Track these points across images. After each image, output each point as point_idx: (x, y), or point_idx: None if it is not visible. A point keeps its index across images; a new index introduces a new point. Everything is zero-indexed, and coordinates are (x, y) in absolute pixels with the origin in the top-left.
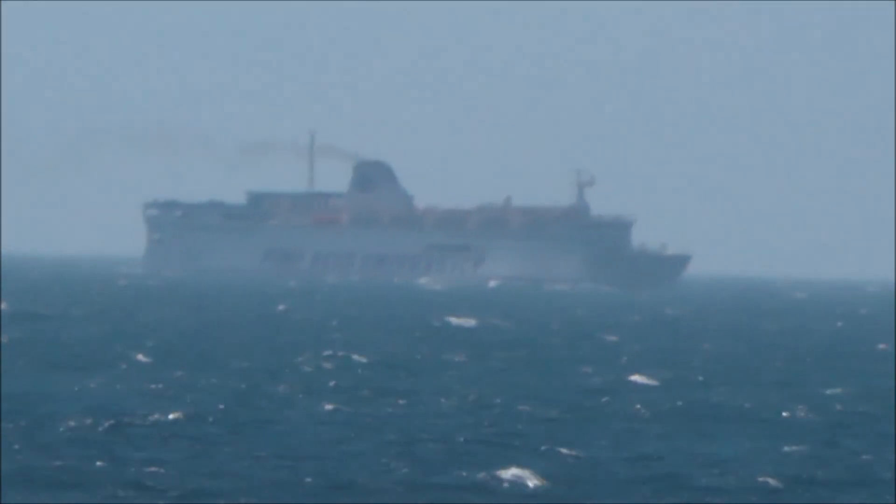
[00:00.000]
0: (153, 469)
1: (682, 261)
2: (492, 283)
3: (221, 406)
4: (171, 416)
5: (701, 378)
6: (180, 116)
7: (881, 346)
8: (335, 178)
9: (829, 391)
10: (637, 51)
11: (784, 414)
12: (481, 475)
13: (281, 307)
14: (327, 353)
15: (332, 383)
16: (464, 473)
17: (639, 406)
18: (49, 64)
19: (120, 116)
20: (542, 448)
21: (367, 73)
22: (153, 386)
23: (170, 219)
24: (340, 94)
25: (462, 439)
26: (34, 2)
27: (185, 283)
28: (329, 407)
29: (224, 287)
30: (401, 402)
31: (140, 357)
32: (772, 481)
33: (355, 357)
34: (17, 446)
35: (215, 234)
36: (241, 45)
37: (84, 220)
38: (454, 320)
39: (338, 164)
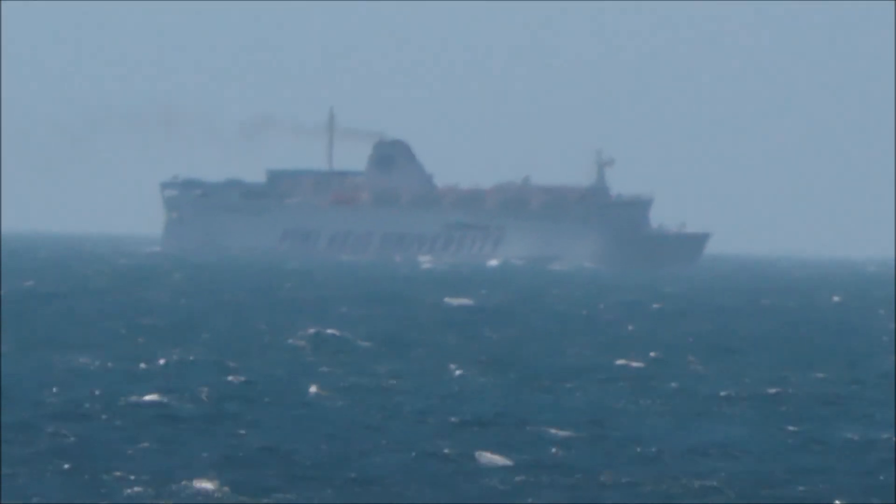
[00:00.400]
0: (129, 452)
1: (701, 239)
2: (492, 262)
3: (204, 388)
4: (147, 398)
5: (691, 358)
6: (197, 98)
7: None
8: (355, 158)
9: (819, 374)
10: (656, 31)
11: (770, 390)
12: (456, 461)
13: (285, 285)
14: (312, 331)
15: (316, 361)
16: (443, 455)
17: (623, 387)
18: (51, 48)
19: (127, 98)
20: (528, 429)
21: (387, 52)
22: (141, 365)
23: (188, 198)
24: (360, 73)
25: (437, 421)
26: None
27: (190, 261)
28: (313, 388)
29: (229, 265)
30: (391, 381)
31: (129, 334)
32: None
33: (346, 335)
34: None
35: (233, 214)
36: (258, 26)
37: (99, 199)
38: (448, 300)
39: (357, 143)
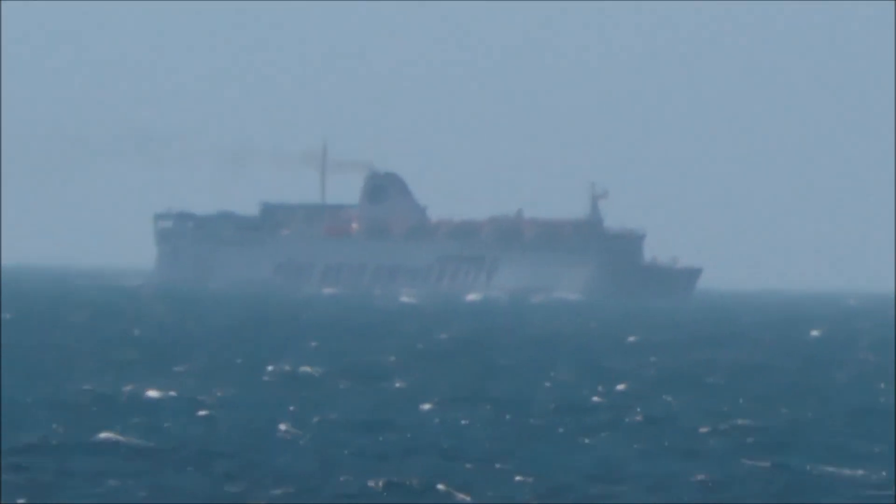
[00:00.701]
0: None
1: (693, 274)
2: (470, 297)
3: (167, 424)
4: (103, 436)
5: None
6: (193, 128)
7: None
8: (346, 189)
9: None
10: (650, 66)
11: (702, 430)
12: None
13: (253, 320)
14: (272, 367)
15: (286, 396)
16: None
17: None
18: (27, 75)
19: (113, 125)
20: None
21: (380, 84)
22: (114, 397)
23: (181, 230)
24: (353, 105)
25: (400, 455)
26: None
27: (173, 292)
28: (283, 426)
29: (212, 297)
30: (358, 415)
31: (102, 367)
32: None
33: (309, 369)
34: None
35: (227, 246)
36: (252, 55)
37: (87, 230)
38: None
39: (349, 175)
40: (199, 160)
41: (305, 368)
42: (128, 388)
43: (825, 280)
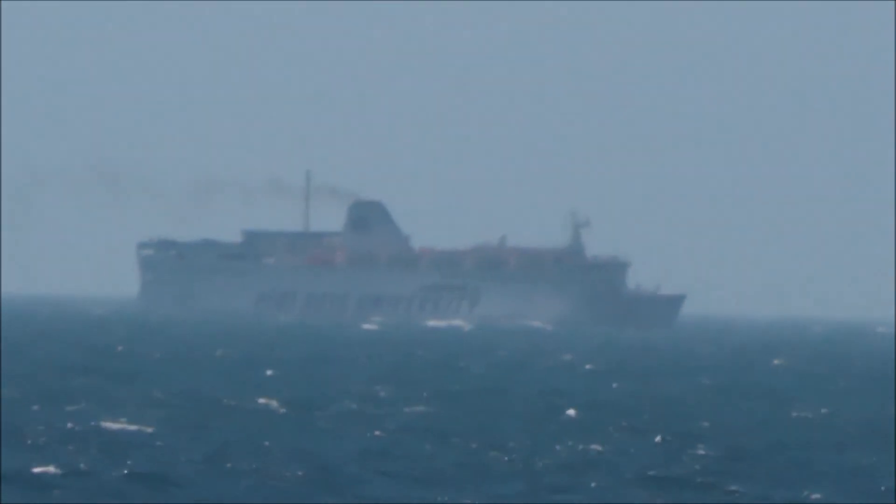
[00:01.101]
0: None
1: (676, 301)
2: (431, 323)
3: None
4: (50, 469)
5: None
6: (172, 159)
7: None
8: (330, 219)
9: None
10: (631, 92)
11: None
12: None
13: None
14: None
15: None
16: None
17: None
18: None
19: (87, 157)
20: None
21: (363, 113)
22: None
23: (164, 259)
24: (335, 134)
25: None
26: None
27: (143, 320)
28: (228, 465)
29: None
30: (307, 444)
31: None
32: None
33: (267, 401)
34: None
35: (210, 275)
36: (233, 81)
37: (73, 261)
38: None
39: (334, 204)
40: (176, 189)
41: (266, 400)
42: (73, 417)
43: (810, 307)
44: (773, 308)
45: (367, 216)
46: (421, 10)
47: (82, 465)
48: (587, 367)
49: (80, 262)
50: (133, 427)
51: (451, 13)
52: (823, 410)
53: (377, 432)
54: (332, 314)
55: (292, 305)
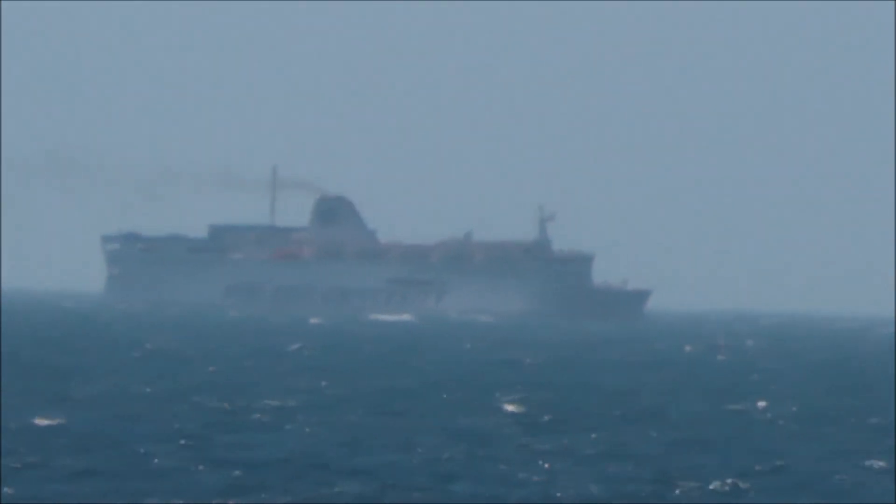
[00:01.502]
0: None
1: (642, 296)
2: (382, 317)
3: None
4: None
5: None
6: (133, 150)
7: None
8: (297, 213)
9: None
10: (598, 88)
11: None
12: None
13: (148, 345)
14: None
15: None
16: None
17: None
18: None
19: (67, 147)
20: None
21: (329, 107)
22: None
23: (130, 252)
24: (302, 129)
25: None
26: None
27: (96, 315)
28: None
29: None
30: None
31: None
32: None
33: (204, 399)
34: None
35: (177, 268)
36: (200, 76)
37: (39, 254)
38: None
39: (300, 198)
40: (136, 180)
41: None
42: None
43: (780, 300)
44: (740, 301)
45: (334, 210)
46: (383, 7)
47: None
48: (468, 347)
49: (49, 255)
50: (52, 422)
51: (415, 9)
52: (761, 404)
53: (307, 429)
54: (300, 307)
55: (260, 298)
